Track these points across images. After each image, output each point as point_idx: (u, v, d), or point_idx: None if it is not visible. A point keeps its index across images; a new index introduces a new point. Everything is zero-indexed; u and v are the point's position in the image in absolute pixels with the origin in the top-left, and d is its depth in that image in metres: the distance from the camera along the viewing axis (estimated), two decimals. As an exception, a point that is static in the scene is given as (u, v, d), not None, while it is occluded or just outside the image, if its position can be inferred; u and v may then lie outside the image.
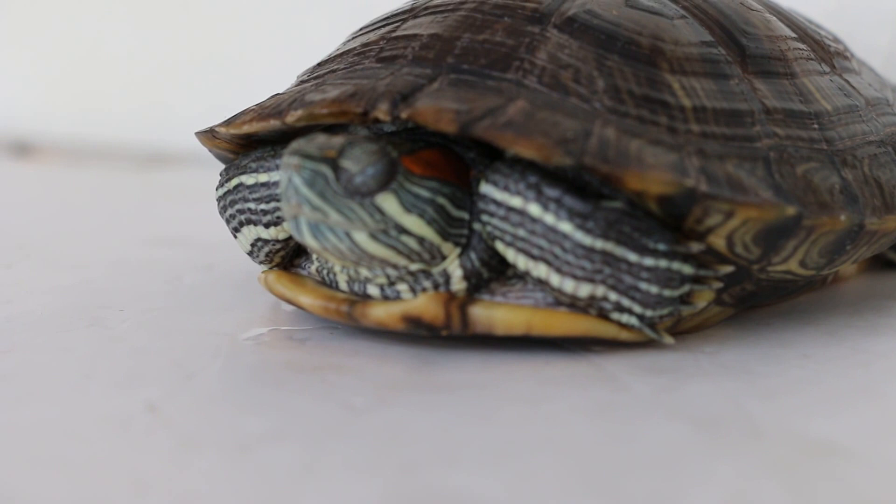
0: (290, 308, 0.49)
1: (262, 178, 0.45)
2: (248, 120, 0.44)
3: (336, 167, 0.39)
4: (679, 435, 0.35)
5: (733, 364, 0.41)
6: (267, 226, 0.46)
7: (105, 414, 0.36)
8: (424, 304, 0.41)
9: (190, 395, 0.38)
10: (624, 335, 0.41)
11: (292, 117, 0.43)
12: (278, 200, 0.45)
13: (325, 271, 0.45)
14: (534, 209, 0.40)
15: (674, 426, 0.35)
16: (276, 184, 0.45)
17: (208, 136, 0.47)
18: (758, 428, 0.35)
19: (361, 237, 0.40)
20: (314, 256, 0.45)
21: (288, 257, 0.47)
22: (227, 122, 0.45)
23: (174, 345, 0.43)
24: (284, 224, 0.45)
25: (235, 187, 0.46)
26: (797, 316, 0.48)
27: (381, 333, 0.44)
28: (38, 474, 0.32)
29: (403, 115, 0.40)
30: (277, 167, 0.45)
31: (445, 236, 0.41)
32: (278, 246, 0.46)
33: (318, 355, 0.42)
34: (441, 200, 0.40)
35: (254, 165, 0.46)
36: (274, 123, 0.43)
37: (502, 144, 0.39)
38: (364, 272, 0.42)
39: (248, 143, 0.46)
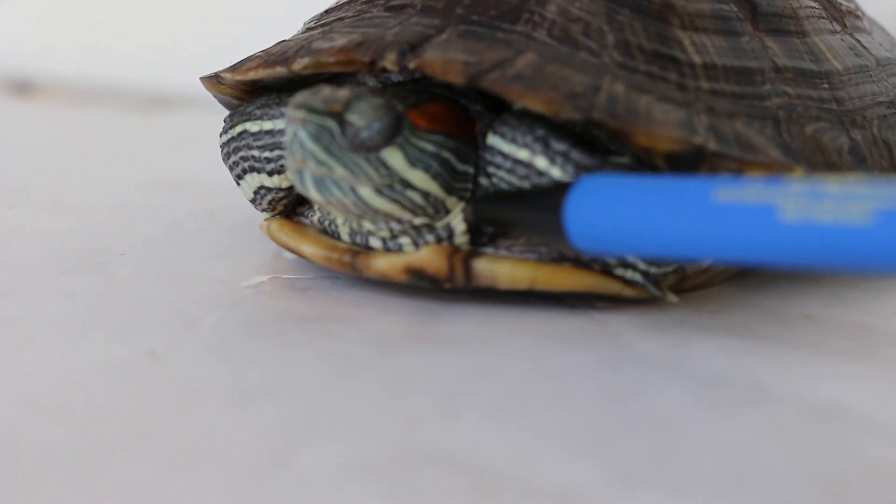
0: (290, 256, 0.48)
1: (267, 125, 0.45)
2: (253, 66, 0.44)
3: (342, 121, 0.39)
4: (682, 395, 0.35)
5: (737, 323, 0.41)
6: (270, 174, 0.46)
7: (105, 361, 0.36)
8: (428, 257, 0.41)
9: (190, 344, 0.38)
10: (627, 292, 0.41)
11: (299, 65, 0.42)
12: (282, 148, 0.44)
13: (326, 222, 0.44)
14: (541, 162, 0.39)
15: (677, 386, 0.35)
16: (280, 132, 0.45)
17: (213, 81, 0.47)
18: (762, 389, 0.35)
19: (366, 192, 0.40)
20: (316, 207, 0.45)
21: (290, 205, 0.47)
22: (233, 69, 0.45)
23: (175, 292, 0.43)
24: (288, 173, 0.44)
25: (239, 134, 0.46)
26: (801, 275, 0.47)
27: (383, 284, 0.44)
28: (36, 421, 0.32)
29: (411, 65, 0.40)
30: (282, 115, 0.44)
31: (450, 190, 0.41)
32: (281, 194, 0.46)
33: (319, 305, 0.42)
34: (446, 154, 0.40)
35: (258, 113, 0.45)
36: (280, 71, 0.43)
37: (510, 97, 0.39)
38: (367, 225, 0.42)
39: (254, 89, 0.46)
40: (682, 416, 0.33)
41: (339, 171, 0.39)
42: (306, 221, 0.46)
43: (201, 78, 0.47)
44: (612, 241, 0.36)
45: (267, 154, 0.45)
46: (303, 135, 0.39)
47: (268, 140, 0.45)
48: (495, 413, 0.33)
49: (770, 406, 0.34)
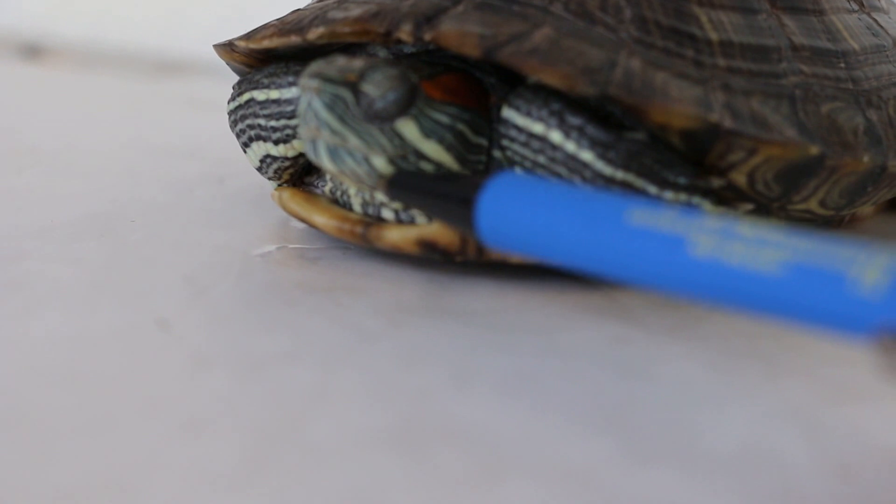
0: (301, 226, 0.48)
1: (274, 94, 0.45)
2: (268, 35, 0.44)
3: (356, 91, 0.39)
4: (694, 373, 0.35)
5: (748, 302, 0.41)
6: (276, 143, 0.45)
7: (115, 328, 0.36)
8: (440, 230, 0.41)
9: (201, 312, 0.38)
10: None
11: (314, 34, 0.42)
12: (288, 118, 0.44)
13: (339, 192, 0.44)
14: (555, 136, 0.39)
15: (689, 364, 0.35)
16: (287, 101, 0.45)
17: (226, 49, 0.46)
18: (774, 369, 0.35)
19: (380, 162, 0.40)
20: (328, 177, 0.45)
21: (297, 175, 0.47)
22: (247, 37, 0.45)
23: (185, 259, 0.43)
24: (294, 142, 0.45)
25: (247, 102, 0.46)
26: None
27: (394, 256, 0.44)
28: (45, 388, 0.32)
29: (427, 37, 0.40)
30: (289, 84, 0.44)
31: (463, 162, 0.41)
32: (287, 163, 0.46)
33: (331, 276, 0.42)
34: (460, 126, 0.40)
35: (266, 81, 0.45)
36: (294, 40, 0.43)
37: (526, 71, 0.38)
38: (380, 196, 0.42)
39: (266, 58, 0.46)
40: (695, 395, 0.33)
41: (353, 141, 0.39)
42: (317, 191, 0.46)
43: (215, 45, 0.47)
44: (519, 243, 0.36)
45: (273, 123, 0.45)
46: (317, 104, 0.39)
47: (274, 109, 0.45)
48: (506, 387, 0.33)
49: (782, 386, 0.34)
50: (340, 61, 0.40)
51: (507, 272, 0.42)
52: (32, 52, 1.06)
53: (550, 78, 0.38)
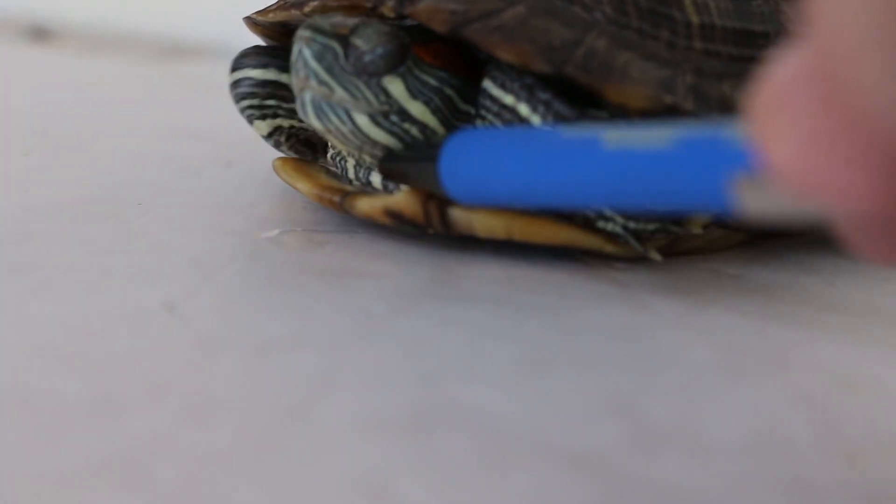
0: (309, 209, 0.48)
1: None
2: (273, 9, 0.46)
3: (347, 44, 0.40)
4: (702, 359, 0.34)
5: (758, 289, 0.41)
6: (263, 118, 0.49)
7: (122, 311, 0.36)
8: (404, 201, 0.42)
9: (208, 296, 0.38)
10: (609, 248, 0.41)
11: (308, 8, 0.44)
12: (279, 97, 0.47)
13: (338, 158, 0.46)
14: (523, 109, 0.40)
15: (697, 350, 0.35)
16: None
17: (250, 22, 0.48)
18: (782, 356, 0.35)
19: (363, 120, 0.41)
20: (330, 144, 0.47)
21: (306, 144, 0.49)
22: (260, 11, 0.47)
23: (193, 242, 0.43)
24: (276, 119, 0.47)
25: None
26: (823, 242, 0.47)
27: (401, 239, 0.44)
28: (52, 370, 0.32)
29: (406, 12, 0.41)
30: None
31: (449, 127, 0.42)
32: (282, 137, 0.49)
33: (338, 259, 0.42)
34: (449, 91, 0.41)
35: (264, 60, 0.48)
36: (294, 14, 0.45)
37: (487, 48, 0.39)
38: (368, 159, 0.43)
39: (287, 32, 0.47)
40: (703, 382, 0.33)
41: (339, 93, 0.40)
42: (328, 162, 0.48)
43: (243, 18, 0.49)
44: (474, 189, 0.38)
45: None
46: (307, 53, 0.40)
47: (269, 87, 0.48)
48: (513, 373, 0.33)
49: (791, 373, 0.34)
50: (337, 17, 0.41)
51: (515, 255, 0.42)
52: (40, 33, 1.06)
53: (508, 55, 0.39)
